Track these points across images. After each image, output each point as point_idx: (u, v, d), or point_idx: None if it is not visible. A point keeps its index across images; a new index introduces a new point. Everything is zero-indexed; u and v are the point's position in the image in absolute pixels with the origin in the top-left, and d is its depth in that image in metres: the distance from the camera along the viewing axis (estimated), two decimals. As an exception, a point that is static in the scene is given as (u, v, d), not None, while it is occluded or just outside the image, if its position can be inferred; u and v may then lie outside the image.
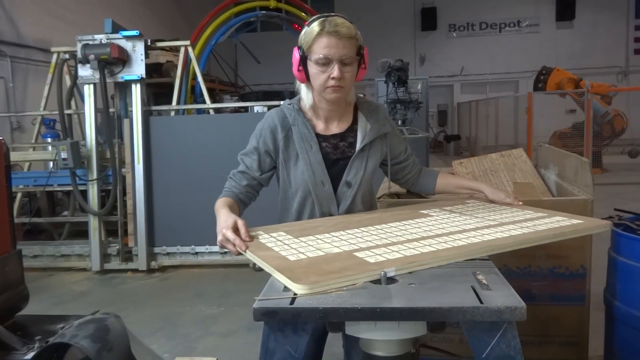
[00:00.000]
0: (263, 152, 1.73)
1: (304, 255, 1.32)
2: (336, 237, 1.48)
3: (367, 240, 1.43)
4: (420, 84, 7.90)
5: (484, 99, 15.54)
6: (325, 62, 1.57)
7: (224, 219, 1.50)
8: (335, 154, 1.74)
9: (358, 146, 1.73)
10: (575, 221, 1.58)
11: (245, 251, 1.41)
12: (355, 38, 1.60)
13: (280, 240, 1.47)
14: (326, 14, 1.62)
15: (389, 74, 6.37)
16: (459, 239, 1.41)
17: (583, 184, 2.36)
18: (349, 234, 1.51)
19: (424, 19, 19.35)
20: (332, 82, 1.58)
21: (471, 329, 1.04)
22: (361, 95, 1.98)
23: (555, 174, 2.86)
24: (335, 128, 1.76)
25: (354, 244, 1.40)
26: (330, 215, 1.73)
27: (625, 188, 8.69)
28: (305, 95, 1.72)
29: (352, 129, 1.76)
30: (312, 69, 1.60)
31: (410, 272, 1.22)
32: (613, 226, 2.39)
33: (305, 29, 1.61)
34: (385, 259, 1.26)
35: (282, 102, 1.80)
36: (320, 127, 1.75)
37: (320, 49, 1.56)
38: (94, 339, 1.13)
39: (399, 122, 6.80)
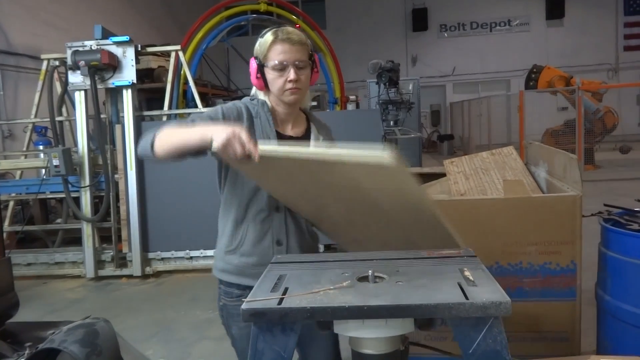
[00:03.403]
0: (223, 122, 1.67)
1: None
2: None
3: None
4: (411, 85, 7.94)
5: (476, 99, 15.61)
6: (282, 67, 1.66)
7: (223, 125, 1.40)
8: None
9: None
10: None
11: (257, 158, 1.33)
12: (307, 44, 1.72)
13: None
14: (277, 26, 1.73)
15: (380, 75, 6.40)
16: None
17: (572, 180, 2.38)
18: None
19: (415, 19, 19.41)
20: (289, 85, 1.67)
21: (458, 325, 1.04)
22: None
23: (545, 171, 2.88)
24: (290, 132, 1.82)
25: None
26: (277, 207, 1.74)
27: (617, 184, 8.74)
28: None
29: (306, 136, 1.84)
30: (270, 74, 1.69)
31: (397, 270, 1.23)
32: (602, 221, 2.42)
33: (259, 40, 1.72)
34: None
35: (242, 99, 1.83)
36: (278, 126, 1.80)
37: (275, 55, 1.66)
38: (83, 343, 1.13)
39: (391, 122, 6.83)
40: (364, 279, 1.20)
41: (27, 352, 1.32)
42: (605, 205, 2.64)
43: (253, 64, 1.71)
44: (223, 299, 1.76)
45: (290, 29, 1.71)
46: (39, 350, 1.18)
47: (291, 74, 1.66)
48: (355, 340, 1.17)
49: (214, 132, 1.39)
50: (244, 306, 1.09)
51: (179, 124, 1.54)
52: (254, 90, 1.79)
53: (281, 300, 1.09)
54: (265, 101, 1.77)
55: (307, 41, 1.72)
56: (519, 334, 2.33)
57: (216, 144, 1.35)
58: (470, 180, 3.01)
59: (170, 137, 1.50)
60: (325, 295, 1.10)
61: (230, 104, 1.77)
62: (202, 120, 1.63)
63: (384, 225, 1.63)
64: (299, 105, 1.80)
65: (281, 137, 1.77)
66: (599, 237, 2.43)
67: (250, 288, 1.28)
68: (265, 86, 1.72)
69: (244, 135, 1.36)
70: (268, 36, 1.69)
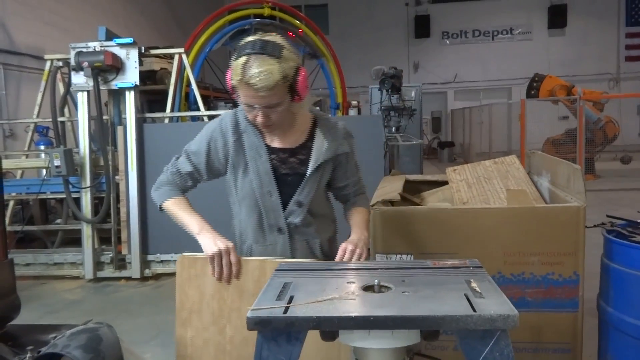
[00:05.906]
0: (214, 158, 1.72)
1: None
2: None
3: None
4: (414, 91, 7.95)
5: (477, 106, 15.63)
6: (250, 106, 1.54)
7: (223, 240, 1.65)
8: (284, 169, 1.69)
9: (312, 165, 1.67)
10: None
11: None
12: (276, 87, 1.47)
13: None
14: (250, 51, 1.47)
15: (382, 81, 6.40)
16: None
17: (575, 190, 2.37)
18: None
19: (417, 26, 19.47)
20: (260, 122, 1.57)
21: (464, 337, 1.04)
22: (317, 108, 2.00)
23: (548, 181, 2.88)
24: (284, 142, 1.70)
25: None
26: (279, 228, 1.71)
27: (618, 194, 8.74)
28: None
29: (305, 146, 1.71)
30: (241, 104, 1.58)
31: (403, 280, 1.22)
32: (605, 233, 2.42)
33: (233, 60, 1.51)
34: None
35: (238, 108, 1.71)
36: (268, 139, 1.70)
37: (243, 96, 1.52)
38: (86, 349, 1.12)
39: (393, 129, 6.84)
40: (369, 288, 1.19)
41: (28, 355, 1.31)
42: (607, 216, 2.63)
43: (229, 79, 1.54)
44: None
45: (257, 69, 1.44)
46: (42, 354, 1.17)
47: (259, 118, 1.54)
48: (360, 351, 1.16)
49: (205, 242, 1.68)
50: (249, 314, 1.08)
51: (172, 195, 1.84)
52: None
53: (287, 309, 1.08)
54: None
55: (277, 83, 1.46)
56: (521, 344, 2.32)
57: (206, 252, 1.66)
58: (473, 189, 3.00)
59: (173, 214, 1.83)
60: (331, 305, 1.09)
61: (222, 121, 1.68)
62: (196, 157, 1.76)
63: None
64: (283, 128, 1.66)
65: (272, 150, 1.68)
66: (601, 248, 2.42)
67: None
68: None
69: (233, 256, 1.60)
70: (237, 69, 1.47)
